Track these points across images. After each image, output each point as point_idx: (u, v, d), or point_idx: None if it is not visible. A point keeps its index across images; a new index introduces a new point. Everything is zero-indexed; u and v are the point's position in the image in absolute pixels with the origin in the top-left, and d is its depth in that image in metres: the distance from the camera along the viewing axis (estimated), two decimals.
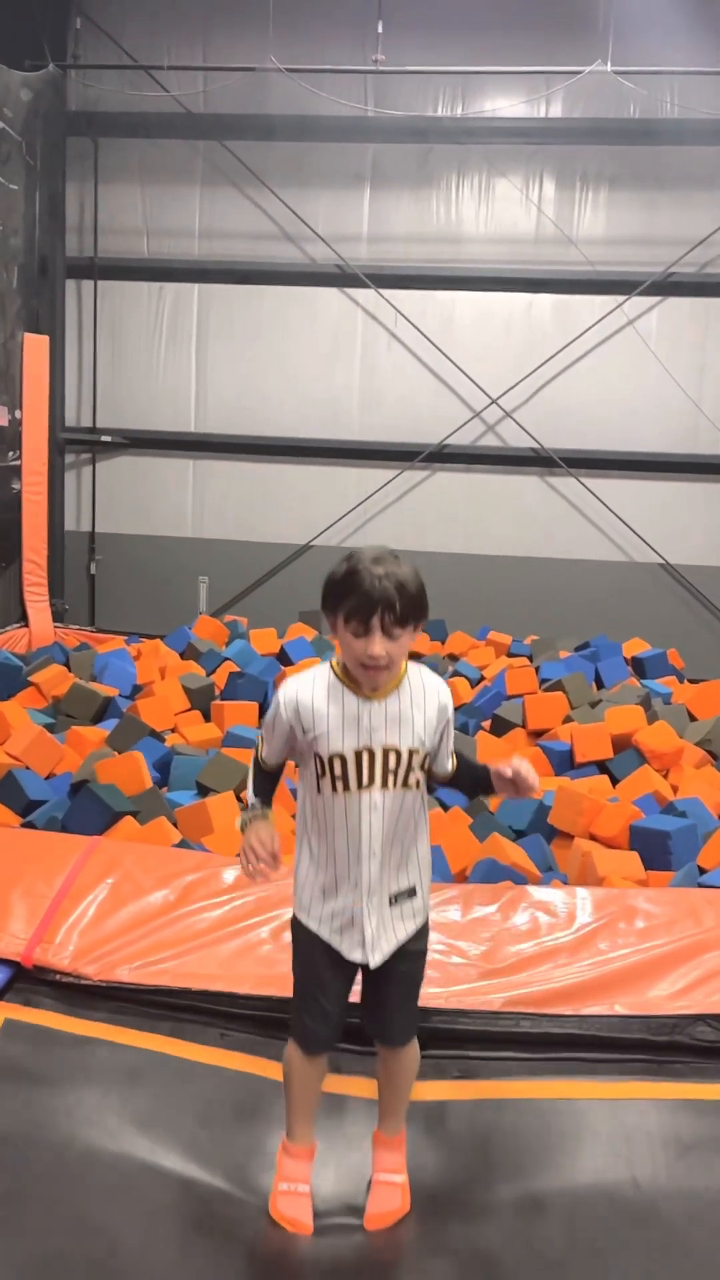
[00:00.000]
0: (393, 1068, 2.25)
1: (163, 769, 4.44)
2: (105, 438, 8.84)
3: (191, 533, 8.97)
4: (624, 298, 8.15)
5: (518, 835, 3.96)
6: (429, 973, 2.57)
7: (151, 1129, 2.33)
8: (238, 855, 2.16)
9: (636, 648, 6.56)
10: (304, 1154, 2.23)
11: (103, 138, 8.53)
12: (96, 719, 5.17)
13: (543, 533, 8.56)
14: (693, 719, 5.29)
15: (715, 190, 8.12)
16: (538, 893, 3.04)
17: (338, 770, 2.07)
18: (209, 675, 5.71)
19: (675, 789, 4.40)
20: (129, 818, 3.76)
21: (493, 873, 3.43)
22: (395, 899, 2.13)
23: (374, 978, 2.18)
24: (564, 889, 3.12)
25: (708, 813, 4.03)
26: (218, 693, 5.44)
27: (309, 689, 2.12)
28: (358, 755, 2.07)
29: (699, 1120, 2.38)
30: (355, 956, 2.12)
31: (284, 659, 6.11)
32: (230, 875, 3.05)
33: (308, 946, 2.15)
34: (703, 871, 3.56)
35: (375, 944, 2.11)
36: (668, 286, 8.21)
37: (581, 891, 3.06)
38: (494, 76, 8.04)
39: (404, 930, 2.15)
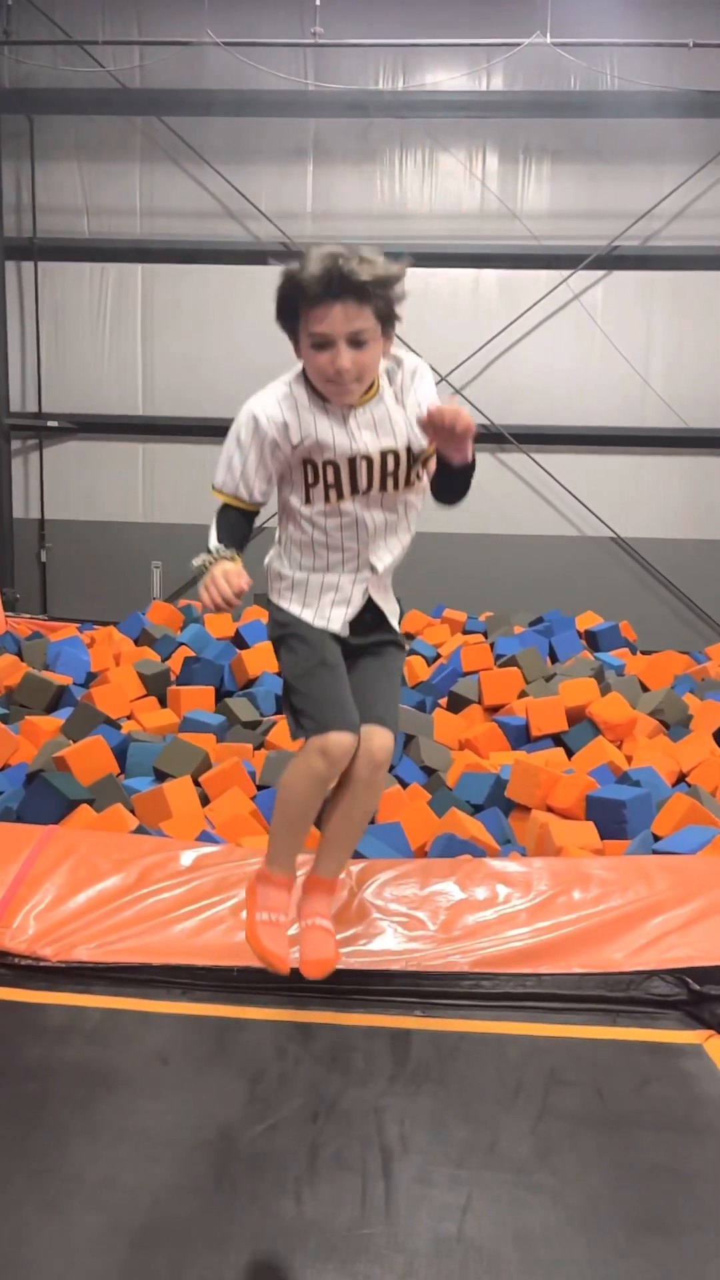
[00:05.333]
0: (360, 775, 2.13)
1: (119, 756, 4.40)
2: (51, 422, 8.70)
3: (143, 517, 8.89)
4: (569, 272, 8.18)
5: (476, 809, 4.00)
6: (389, 941, 2.58)
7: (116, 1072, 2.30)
8: (201, 588, 2.07)
9: (589, 621, 6.61)
10: (285, 883, 2.19)
11: (38, 115, 8.35)
12: (51, 708, 5.11)
13: (495, 509, 8.60)
14: (645, 689, 5.36)
15: (656, 163, 8.17)
16: (496, 864, 3.08)
17: (330, 478, 1.97)
18: (164, 661, 5.66)
19: (629, 759, 4.46)
20: (85, 806, 3.72)
21: (451, 847, 3.46)
22: (382, 572, 2.14)
23: (354, 662, 2.17)
24: (521, 860, 3.16)
25: (661, 781, 4.09)
26: (173, 678, 5.40)
27: (288, 398, 1.99)
28: (352, 463, 1.96)
29: (656, 1057, 2.45)
30: (338, 628, 2.12)
31: (239, 643, 6.07)
32: (189, 858, 3.04)
33: (299, 633, 2.12)
34: (657, 838, 3.62)
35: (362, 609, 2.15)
36: (612, 260, 8.26)
37: (538, 861, 3.10)
38: (434, 50, 7.99)
39: (390, 606, 2.19)
